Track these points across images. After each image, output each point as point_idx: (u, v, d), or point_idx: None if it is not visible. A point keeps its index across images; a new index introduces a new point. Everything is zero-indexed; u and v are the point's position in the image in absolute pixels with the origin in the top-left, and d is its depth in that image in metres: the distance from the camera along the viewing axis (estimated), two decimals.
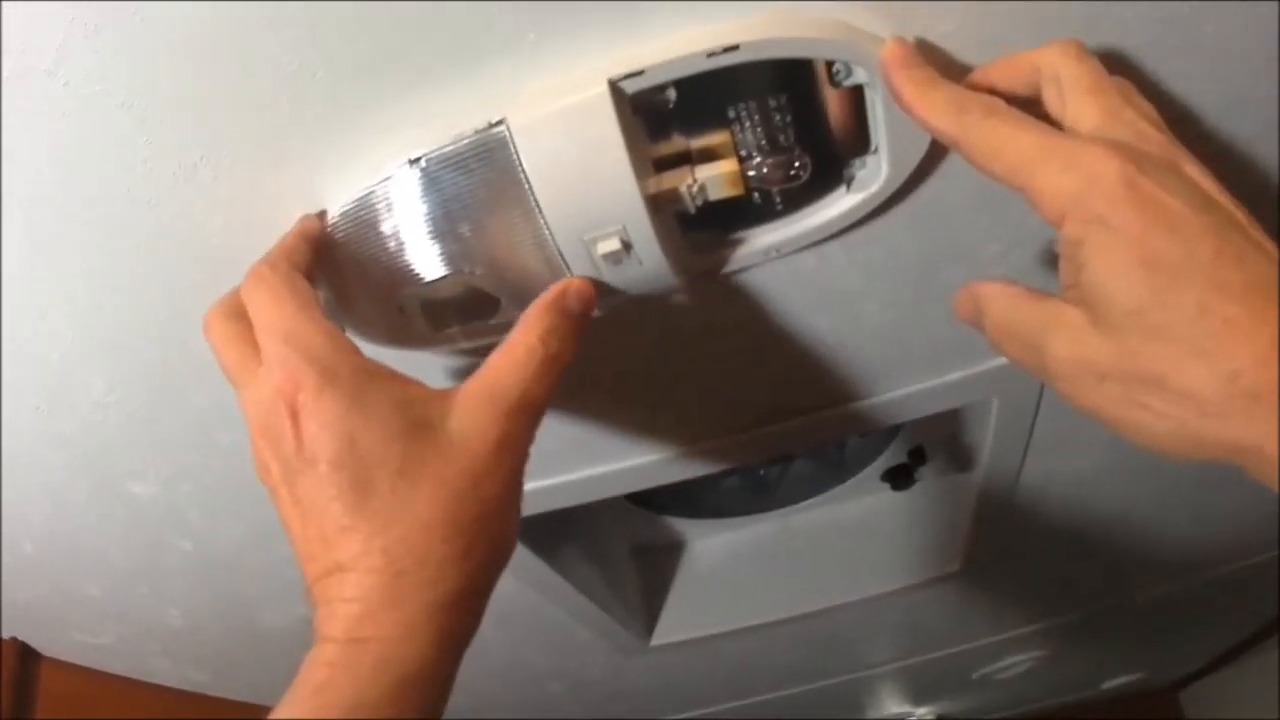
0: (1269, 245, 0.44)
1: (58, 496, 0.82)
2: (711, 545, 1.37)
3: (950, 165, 0.59)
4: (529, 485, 0.86)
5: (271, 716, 0.47)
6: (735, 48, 0.48)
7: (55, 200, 0.54)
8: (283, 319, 0.50)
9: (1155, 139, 0.47)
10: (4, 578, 0.94)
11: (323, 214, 0.56)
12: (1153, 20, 0.53)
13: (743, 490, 1.30)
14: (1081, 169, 0.44)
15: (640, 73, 0.49)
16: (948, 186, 0.61)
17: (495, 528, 0.51)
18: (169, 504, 0.85)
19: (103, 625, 1.07)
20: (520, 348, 0.52)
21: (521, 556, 1.01)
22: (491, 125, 0.50)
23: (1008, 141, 0.46)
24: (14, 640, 1.09)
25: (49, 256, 0.58)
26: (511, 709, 1.67)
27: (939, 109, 0.48)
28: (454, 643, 0.50)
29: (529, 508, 0.90)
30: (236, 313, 0.53)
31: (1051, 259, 0.69)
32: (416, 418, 0.50)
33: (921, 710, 2.64)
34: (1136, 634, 2.20)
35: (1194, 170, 0.46)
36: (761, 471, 1.30)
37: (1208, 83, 0.57)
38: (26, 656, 1.11)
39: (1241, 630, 2.61)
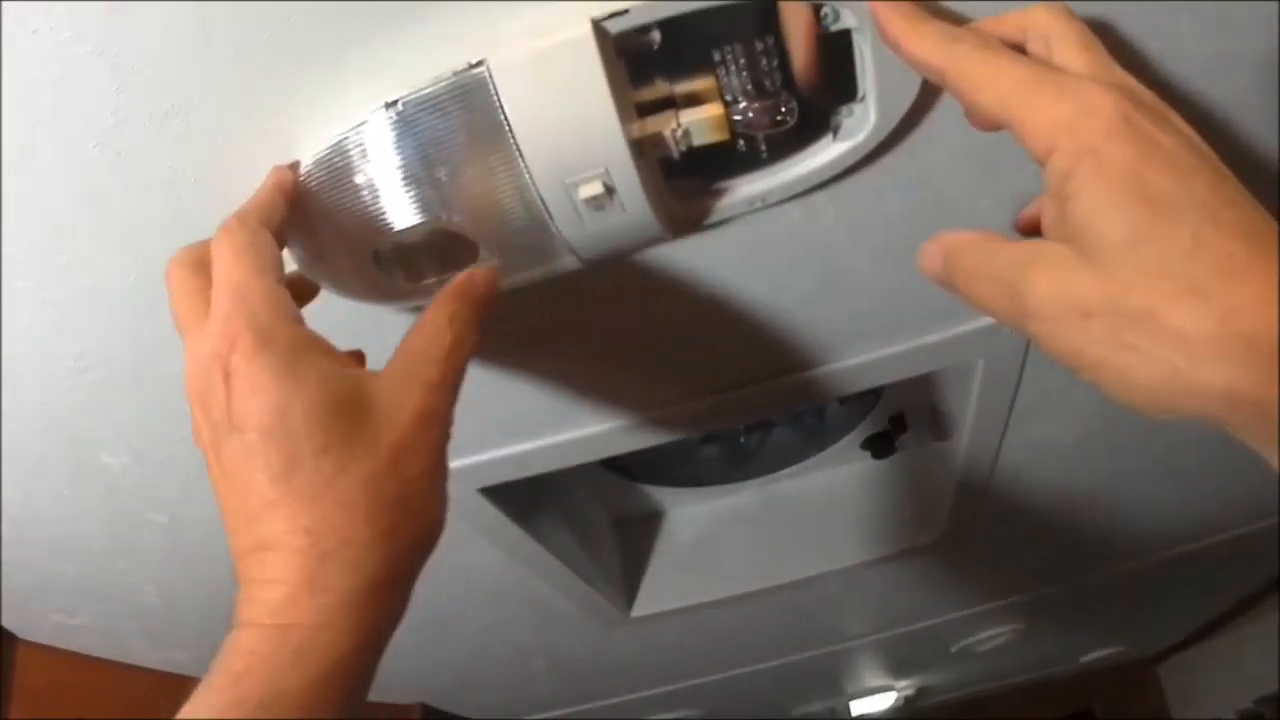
0: (1254, 200, 0.42)
1: (29, 471, 0.81)
2: (691, 514, 1.37)
3: (939, 116, 0.59)
4: (501, 451, 0.87)
5: (188, 706, 0.45)
6: None
7: (22, 155, 0.53)
8: (236, 275, 0.49)
9: (1146, 91, 0.46)
10: None
11: (296, 164, 0.54)
12: None
13: (722, 459, 1.30)
14: (1077, 99, 0.43)
15: (624, 12, 0.48)
16: (936, 138, 0.60)
17: (419, 508, 0.50)
18: (142, 475, 0.84)
19: (79, 605, 1.06)
20: (430, 328, 0.52)
21: (498, 523, 1.01)
22: (471, 66, 0.49)
23: (1000, 72, 0.45)
24: None
25: (14, 216, 0.56)
26: (494, 685, 1.68)
27: (929, 41, 0.47)
28: (376, 631, 0.48)
29: (503, 474, 0.91)
30: (199, 263, 0.51)
31: None
32: (346, 394, 0.49)
33: (901, 684, 2.66)
34: (1116, 607, 2.21)
35: (1183, 124, 0.45)
36: (741, 439, 1.29)
37: (1197, 43, 0.57)
38: (2, 640, 1.10)
39: (1221, 604, 2.63)
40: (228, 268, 0.49)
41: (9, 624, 1.10)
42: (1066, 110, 0.43)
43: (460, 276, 0.54)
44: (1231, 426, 0.41)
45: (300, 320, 0.50)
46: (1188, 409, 0.41)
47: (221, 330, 0.48)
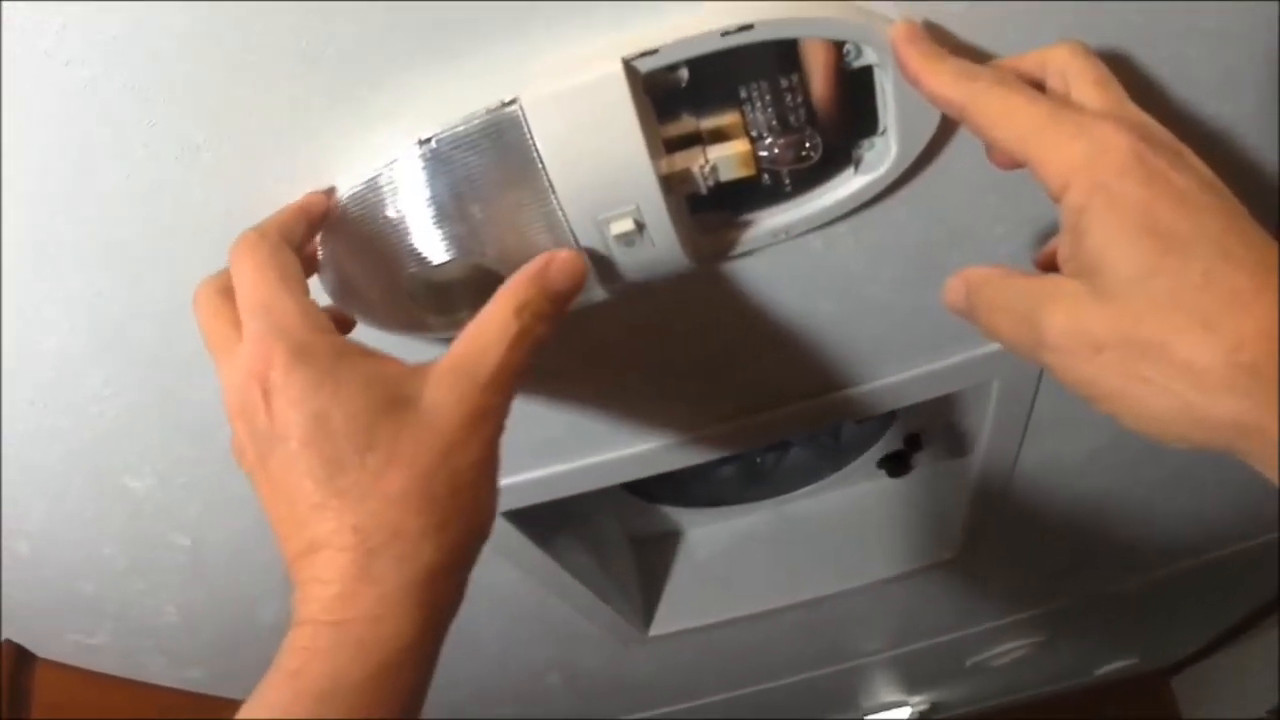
0: (1268, 236, 0.43)
1: (53, 494, 0.81)
2: (708, 534, 1.37)
3: (957, 147, 0.59)
4: (528, 475, 0.87)
5: (246, 706, 0.46)
6: (750, 27, 0.48)
7: (52, 186, 0.53)
8: (261, 291, 0.49)
9: (1160, 128, 0.47)
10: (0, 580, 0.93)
11: (330, 191, 0.55)
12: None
13: (739, 479, 1.30)
14: (1092, 137, 0.44)
15: (654, 51, 0.48)
16: (954, 169, 0.61)
17: (470, 501, 0.50)
18: (167, 499, 0.84)
19: (98, 624, 1.06)
20: (494, 320, 0.51)
21: (519, 545, 1.01)
22: (504, 104, 0.49)
23: (1016, 109, 0.46)
24: (9, 643, 1.08)
25: (45, 245, 0.57)
26: (509, 702, 1.67)
27: (947, 79, 0.48)
28: (435, 620, 0.48)
29: (529, 497, 0.91)
30: (225, 288, 0.52)
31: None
32: (389, 394, 0.49)
33: (915, 699, 2.65)
34: (1130, 619, 2.20)
35: (1198, 161, 0.46)
36: (758, 460, 1.29)
37: (1203, 66, 0.58)
38: (21, 659, 1.10)
39: (1235, 615, 2.62)
40: (251, 284, 0.50)
41: (28, 643, 1.10)
42: (1080, 148, 0.44)
43: (536, 260, 0.53)
44: (1241, 454, 0.42)
45: (332, 328, 0.50)
46: (1198, 439, 0.42)
47: (255, 350, 0.48)
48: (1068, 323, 0.44)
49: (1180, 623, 2.56)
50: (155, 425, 0.74)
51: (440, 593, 0.48)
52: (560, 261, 0.53)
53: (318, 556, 0.47)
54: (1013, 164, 0.49)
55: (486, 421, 0.50)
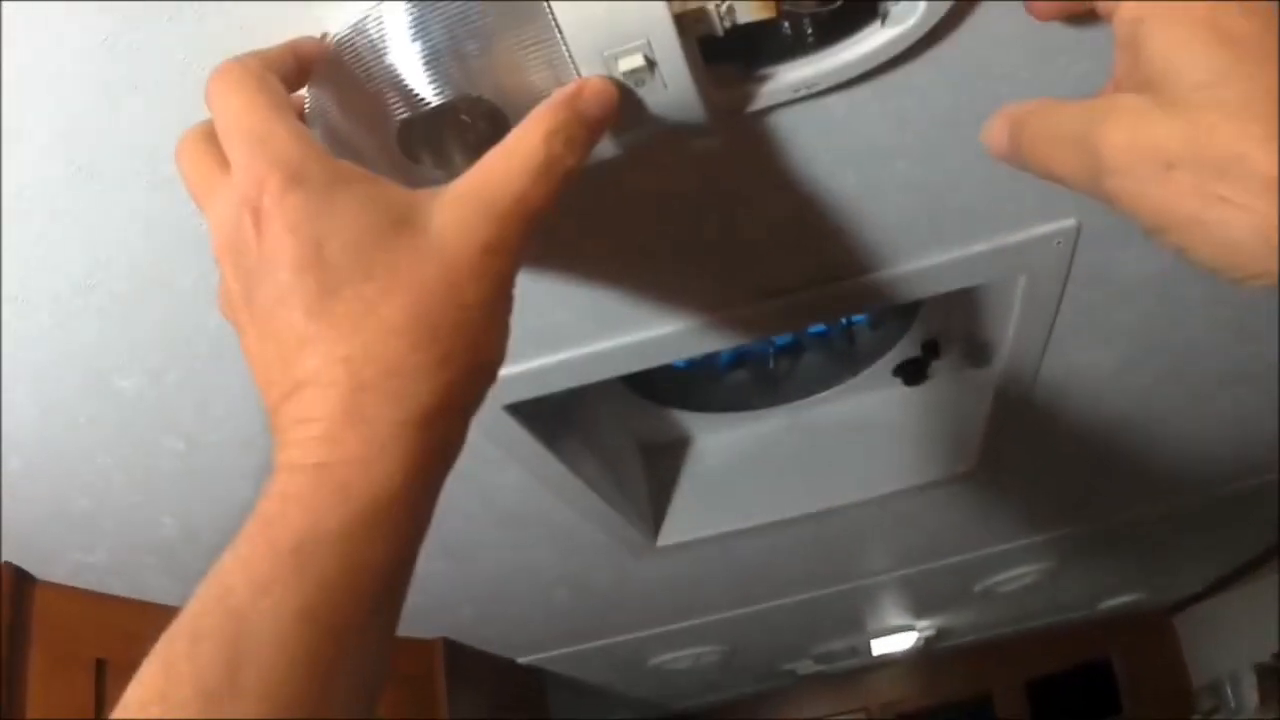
0: None
1: (43, 400, 0.80)
2: (719, 441, 1.35)
3: (988, 6, 0.56)
4: (530, 364, 0.85)
5: (218, 562, 0.42)
6: None
7: (25, 56, 0.51)
8: (248, 120, 0.45)
9: None
10: None
11: (322, 37, 0.51)
12: None
13: (751, 383, 1.28)
14: None
15: None
16: (985, 30, 0.58)
17: (476, 338, 0.46)
18: (158, 399, 0.83)
19: (96, 541, 1.07)
20: (521, 145, 0.47)
21: (525, 444, 1.00)
22: None
23: None
24: (7, 565, 1.09)
25: (22, 129, 0.55)
26: (516, 619, 1.68)
27: None
28: (426, 467, 0.44)
29: (533, 388, 0.89)
30: (209, 133, 0.48)
31: None
32: (393, 217, 0.45)
33: (921, 624, 2.67)
34: (1138, 552, 2.22)
35: None
36: (770, 363, 1.27)
37: None
38: (21, 581, 1.11)
39: (1239, 557, 2.64)
40: (237, 112, 0.46)
41: (26, 564, 1.11)
42: None
43: (569, 85, 0.50)
44: None
45: (327, 152, 0.46)
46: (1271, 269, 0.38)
47: (246, 176, 0.44)
48: (1131, 138, 0.40)
49: (1185, 561, 2.58)
50: (141, 320, 0.72)
51: (435, 437, 0.44)
52: (594, 86, 0.49)
53: (303, 394, 0.43)
54: (1053, 14, 0.47)
55: (501, 256, 0.46)
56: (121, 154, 0.57)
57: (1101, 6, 0.42)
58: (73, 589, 1.15)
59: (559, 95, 0.49)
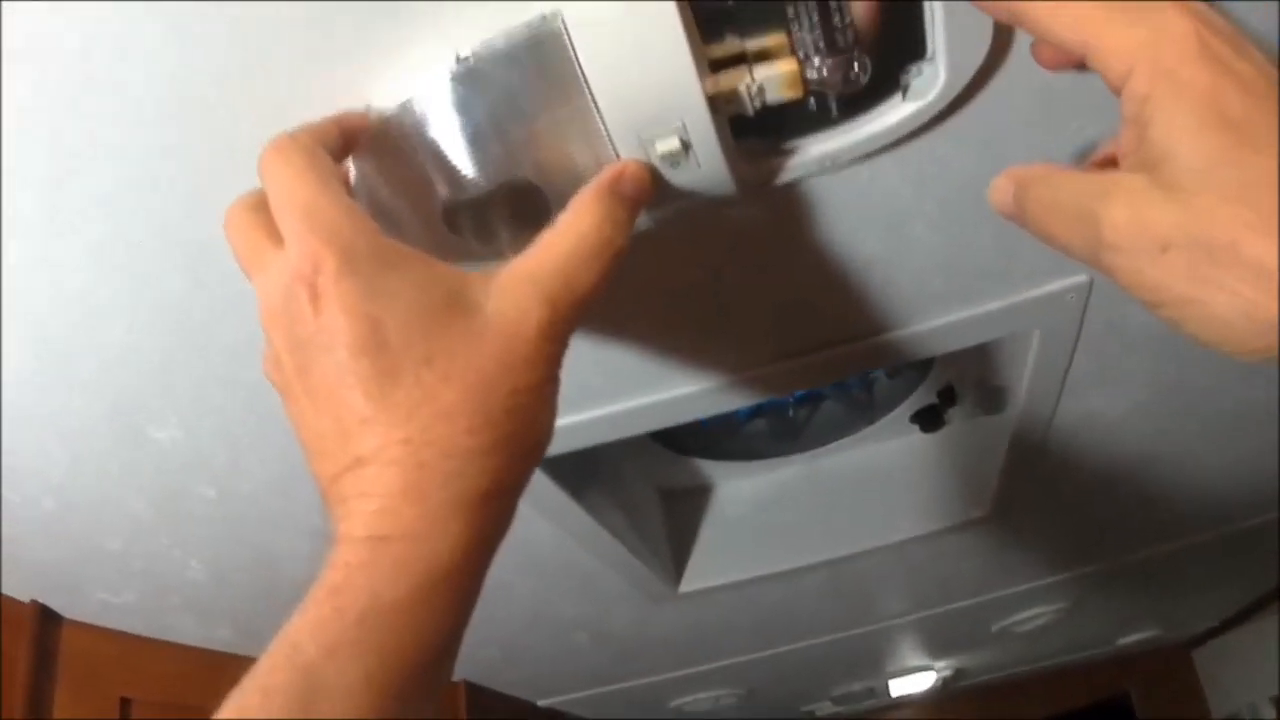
0: None
1: (77, 447, 0.81)
2: (739, 489, 1.36)
3: (1006, 75, 0.58)
4: (564, 420, 0.86)
5: (286, 626, 0.44)
6: None
7: (74, 118, 0.52)
8: (301, 195, 0.46)
9: (1219, 15, 0.44)
10: (24, 539, 0.93)
11: (366, 110, 0.53)
12: None
13: (770, 432, 1.30)
14: (1153, 22, 0.41)
15: None
16: (1003, 98, 0.59)
17: (528, 422, 0.47)
18: (192, 448, 0.84)
19: (124, 582, 1.07)
20: (572, 230, 0.49)
21: (551, 496, 1.01)
22: (546, 20, 0.48)
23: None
24: (34, 603, 1.09)
25: (68, 189, 0.56)
26: (538, 661, 1.68)
27: None
28: (481, 542, 0.46)
29: (561, 445, 0.90)
30: (259, 204, 0.49)
31: None
32: (449, 300, 0.46)
33: (940, 664, 2.66)
34: (1154, 589, 2.21)
35: (1257, 49, 0.43)
36: (790, 412, 1.28)
37: None
38: (47, 619, 1.11)
39: (1257, 589, 2.62)
40: (290, 187, 0.47)
41: (54, 602, 1.10)
42: (1142, 33, 0.41)
43: (608, 171, 0.51)
44: None
45: (381, 232, 0.47)
46: (1265, 346, 0.40)
47: (301, 251, 0.45)
48: (1131, 218, 0.41)
49: (1202, 596, 2.57)
50: (179, 372, 0.73)
51: (487, 516, 0.46)
52: (633, 171, 0.52)
53: (364, 471, 0.45)
54: (1060, 63, 0.48)
55: (554, 340, 0.48)
56: (165, 216, 0.59)
57: (1110, 78, 0.43)
58: (99, 628, 1.16)
59: (603, 180, 0.51)
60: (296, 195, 0.47)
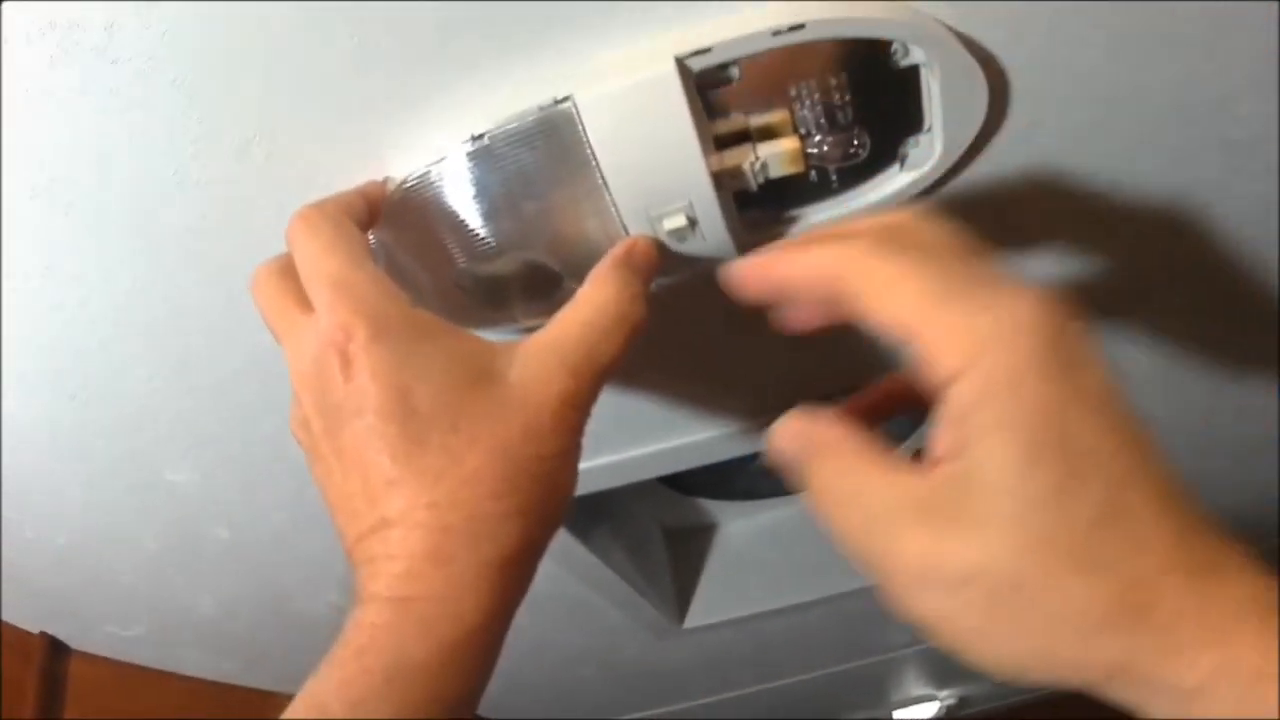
0: (1161, 451, 0.39)
1: (93, 488, 0.82)
2: (743, 527, 1.37)
3: (1000, 147, 0.60)
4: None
5: (311, 681, 0.44)
6: (801, 26, 0.48)
7: (99, 181, 0.54)
8: (331, 265, 0.48)
9: (1069, 307, 0.40)
10: (35, 571, 0.94)
11: (384, 182, 0.55)
12: None
13: (774, 472, 1.29)
14: (996, 314, 0.38)
15: (707, 50, 0.49)
16: (996, 169, 0.61)
17: (550, 488, 0.48)
18: (208, 492, 0.84)
19: (134, 615, 1.07)
20: (592, 303, 0.50)
21: (561, 540, 1.02)
22: (558, 102, 0.50)
23: (906, 275, 0.40)
24: (44, 635, 1.09)
25: (91, 240, 0.57)
26: (542, 692, 1.68)
27: (815, 249, 0.43)
28: (501, 605, 0.47)
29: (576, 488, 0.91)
30: (286, 268, 0.51)
31: (1097, 239, 0.69)
32: (475, 369, 0.47)
33: (943, 693, 2.64)
34: None
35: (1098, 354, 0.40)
36: None
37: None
38: (56, 651, 1.11)
39: None
40: (317, 258, 0.48)
41: (63, 635, 1.11)
42: (985, 325, 0.38)
43: (621, 245, 0.53)
44: (1105, 693, 0.38)
45: (408, 301, 0.48)
46: (1061, 677, 0.38)
47: (332, 320, 0.46)
48: (927, 551, 0.38)
49: None
50: (197, 420, 0.75)
51: (510, 578, 0.47)
52: (642, 247, 0.53)
53: (390, 533, 0.46)
54: (809, 323, 0.46)
55: (577, 408, 0.49)
56: (188, 279, 0.61)
57: (935, 373, 0.39)
58: (107, 660, 1.16)
59: (617, 255, 0.53)
60: (325, 266, 0.48)
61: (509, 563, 0.47)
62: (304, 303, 0.49)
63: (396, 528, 0.46)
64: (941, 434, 0.39)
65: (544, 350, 0.49)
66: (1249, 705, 0.35)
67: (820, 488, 0.44)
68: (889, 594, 0.40)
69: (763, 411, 0.86)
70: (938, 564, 0.38)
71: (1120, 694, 0.38)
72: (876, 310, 0.41)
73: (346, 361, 0.46)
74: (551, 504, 0.49)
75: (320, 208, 0.50)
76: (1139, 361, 0.90)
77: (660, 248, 0.55)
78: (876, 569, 0.41)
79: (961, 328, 0.38)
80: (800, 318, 0.48)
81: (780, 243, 0.48)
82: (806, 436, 0.45)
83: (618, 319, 0.51)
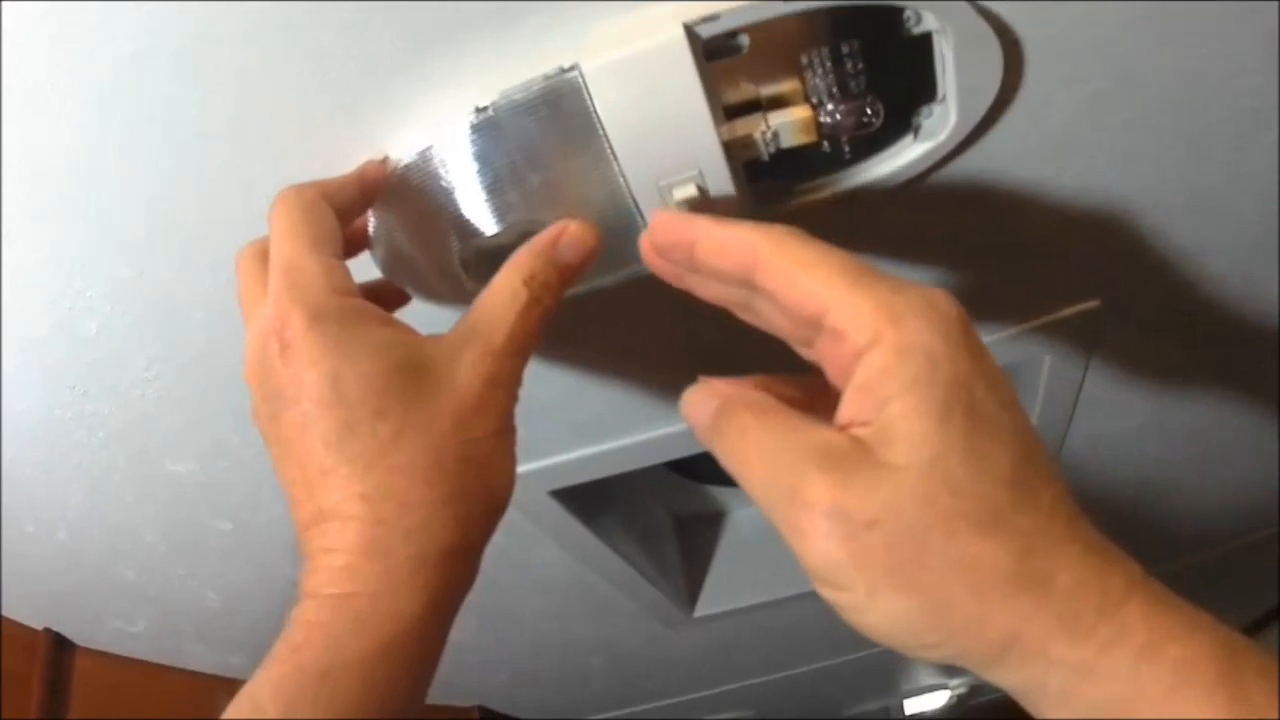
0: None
1: (94, 480, 0.82)
2: (753, 514, 1.36)
3: (1015, 115, 0.58)
4: (578, 453, 0.87)
5: (250, 681, 0.45)
6: None
7: (96, 167, 0.53)
8: (286, 250, 0.48)
9: None
10: (38, 567, 0.94)
11: (384, 160, 0.54)
12: None
13: None
14: (915, 294, 0.40)
15: (715, 17, 0.48)
16: (1011, 137, 0.60)
17: (485, 471, 0.49)
18: (208, 482, 0.84)
19: (138, 610, 1.07)
20: (505, 290, 0.51)
21: (564, 524, 1.01)
22: (564, 71, 0.49)
23: (830, 254, 0.42)
24: (47, 631, 1.09)
25: (88, 227, 0.57)
26: (550, 682, 1.68)
27: (735, 224, 0.45)
28: (441, 599, 0.47)
29: (574, 476, 0.91)
30: (263, 251, 0.51)
31: (1113, 214, 0.68)
32: (404, 360, 0.48)
33: (954, 682, 2.65)
34: None
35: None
36: None
37: None
38: (60, 647, 1.11)
39: (1259, 607, 2.61)
40: (278, 243, 0.49)
41: (67, 631, 1.11)
42: (908, 300, 0.40)
43: (546, 233, 0.52)
44: (994, 674, 0.39)
45: (354, 293, 0.49)
46: (952, 647, 0.39)
47: (274, 309, 0.47)
48: (834, 493, 0.39)
49: (1216, 607, 2.55)
50: (197, 409, 0.74)
51: (450, 571, 0.47)
52: (571, 233, 0.52)
53: (328, 525, 0.46)
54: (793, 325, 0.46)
55: (499, 389, 0.50)
56: (184, 262, 0.60)
57: (850, 340, 0.41)
58: (111, 655, 1.16)
59: (538, 241, 0.52)
60: (282, 250, 0.49)
61: (447, 555, 0.47)
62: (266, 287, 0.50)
63: (333, 520, 0.46)
64: (850, 401, 0.40)
65: (466, 334, 0.50)
66: (1139, 680, 0.37)
67: (730, 442, 0.44)
68: (791, 539, 0.40)
69: None
70: (844, 506, 0.38)
71: (1011, 674, 0.39)
72: (792, 286, 0.43)
73: (284, 348, 0.47)
74: (487, 490, 0.49)
75: (298, 190, 0.51)
76: (1138, 343, 0.90)
77: (599, 238, 0.53)
78: (781, 513, 0.41)
79: (876, 303, 0.40)
80: (703, 288, 0.49)
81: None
82: (716, 397, 0.46)
83: (527, 306, 0.51)
